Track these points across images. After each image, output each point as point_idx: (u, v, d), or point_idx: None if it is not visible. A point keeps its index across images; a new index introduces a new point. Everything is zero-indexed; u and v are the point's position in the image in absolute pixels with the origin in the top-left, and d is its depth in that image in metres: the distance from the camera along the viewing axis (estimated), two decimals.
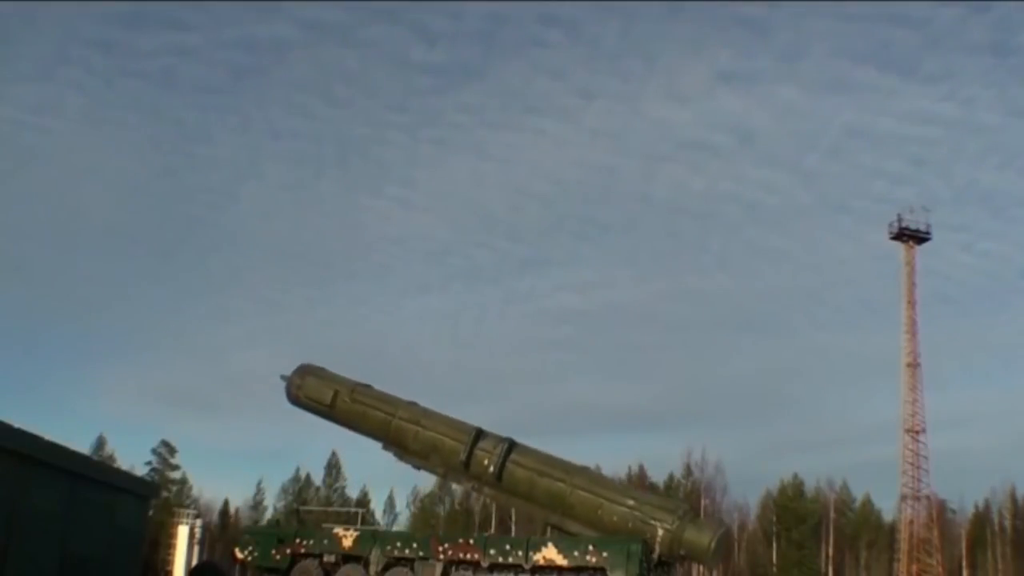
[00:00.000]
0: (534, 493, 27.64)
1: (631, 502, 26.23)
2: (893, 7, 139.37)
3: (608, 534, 25.89)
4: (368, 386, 30.43)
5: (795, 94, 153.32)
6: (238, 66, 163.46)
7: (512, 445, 27.89)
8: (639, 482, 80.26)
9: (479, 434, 28.16)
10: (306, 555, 27.70)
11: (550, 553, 25.28)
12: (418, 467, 29.72)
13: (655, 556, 25.12)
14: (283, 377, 31.08)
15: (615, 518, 26.06)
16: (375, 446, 29.85)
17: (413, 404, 29.76)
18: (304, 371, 30.89)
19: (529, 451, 28.01)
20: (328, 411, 30.32)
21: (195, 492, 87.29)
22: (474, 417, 28.88)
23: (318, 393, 30.30)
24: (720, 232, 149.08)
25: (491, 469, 27.65)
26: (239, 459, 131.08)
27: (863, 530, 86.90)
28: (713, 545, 25.16)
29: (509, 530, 75.89)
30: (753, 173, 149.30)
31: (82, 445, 66.21)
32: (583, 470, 27.83)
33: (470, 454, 27.92)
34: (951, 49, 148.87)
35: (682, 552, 25.59)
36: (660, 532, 25.23)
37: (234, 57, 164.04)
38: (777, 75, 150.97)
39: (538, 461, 27.66)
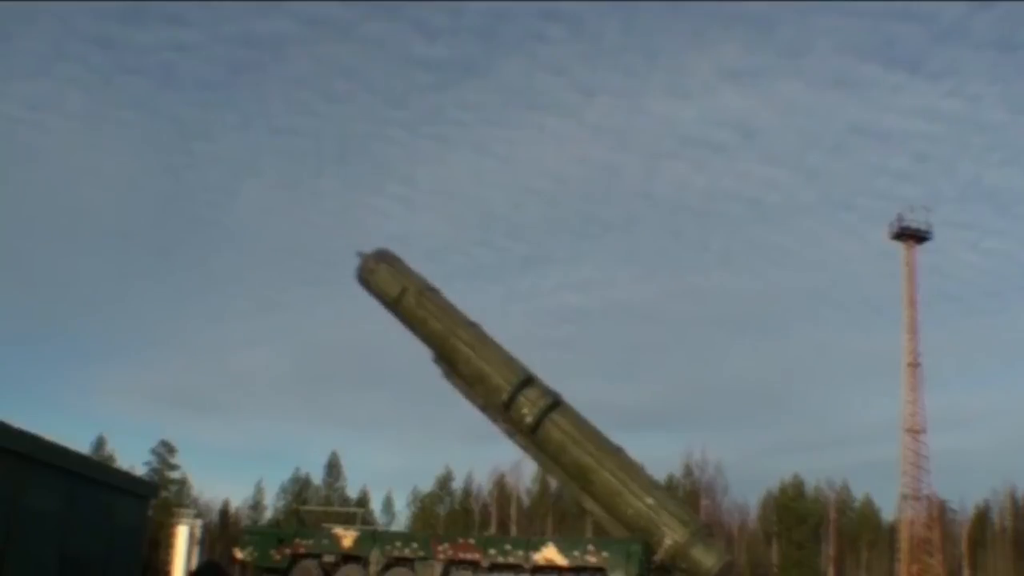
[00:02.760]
0: (562, 458, 27.11)
1: (650, 501, 25.85)
2: (898, 3, 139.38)
3: (619, 524, 25.82)
4: (437, 291, 29.76)
5: (799, 90, 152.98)
6: (237, 62, 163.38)
7: (556, 404, 27.26)
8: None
9: (528, 381, 27.51)
10: (306, 555, 27.69)
11: (550, 553, 25.27)
12: (461, 392, 29.03)
13: (656, 559, 25.06)
14: (359, 254, 30.52)
15: (630, 511, 25.83)
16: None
17: (475, 327, 29.06)
18: (381, 257, 30.25)
19: (571, 415, 27.35)
20: (392, 305, 29.82)
21: (195, 492, 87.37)
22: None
23: (387, 285, 29.79)
24: (722, 230, 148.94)
25: (528, 420, 27.10)
26: (239, 459, 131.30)
27: (863, 530, 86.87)
28: (715, 571, 24.89)
29: (509, 530, 75.90)
30: (756, 170, 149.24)
31: (82, 445, 66.35)
32: (616, 452, 27.05)
33: (512, 398, 27.35)
34: (956, 45, 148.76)
35: (683, 566, 25.33)
36: (668, 540, 25.05)
37: (233, 53, 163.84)
38: (781, 71, 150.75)
39: (576, 428, 27.05)
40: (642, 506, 25.71)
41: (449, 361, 28.97)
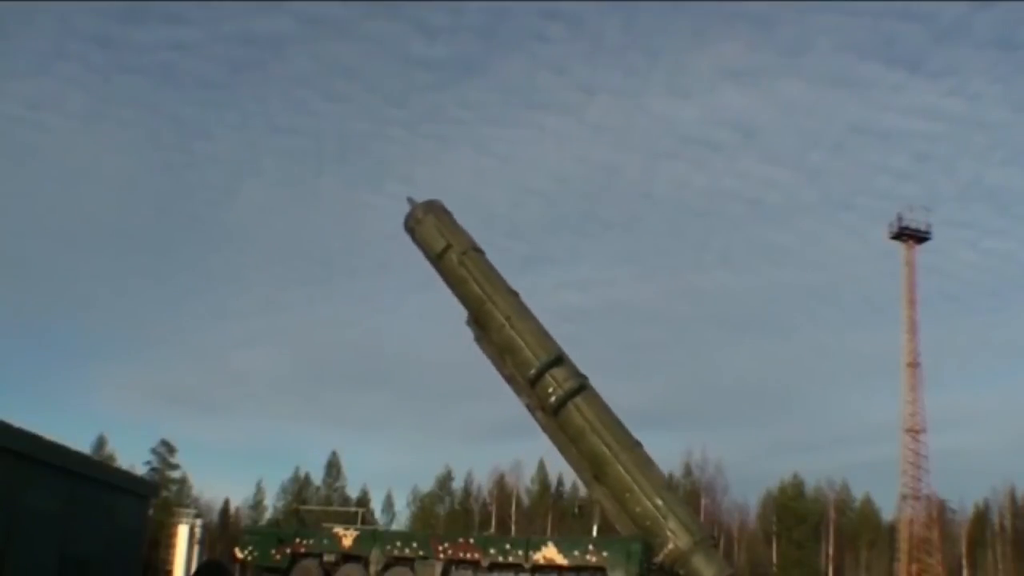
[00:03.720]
0: (580, 444, 26.90)
1: (659, 502, 25.63)
2: (899, 2, 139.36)
3: (624, 519, 25.78)
4: (481, 252, 29.44)
5: (799, 90, 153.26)
6: (237, 61, 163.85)
7: (581, 388, 27.03)
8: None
9: (557, 360, 27.25)
10: (306, 555, 27.67)
11: (550, 553, 25.24)
12: (490, 359, 28.81)
13: (656, 562, 25.04)
14: (410, 200, 30.25)
15: (637, 508, 25.72)
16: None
17: (513, 295, 28.79)
18: (429, 208, 29.89)
19: (595, 402, 27.07)
20: (434, 260, 29.49)
21: (195, 492, 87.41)
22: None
23: (431, 239, 29.43)
24: (722, 229, 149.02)
25: (552, 399, 26.92)
26: (239, 459, 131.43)
27: (863, 530, 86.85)
28: None
29: (509, 530, 75.91)
30: (756, 169, 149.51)
31: (82, 445, 66.20)
32: (634, 447, 26.81)
33: (540, 374, 27.17)
34: (956, 44, 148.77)
35: (682, 572, 25.25)
36: (670, 544, 24.99)
37: (233, 52, 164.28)
38: (781, 70, 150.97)
39: (598, 416, 26.79)
40: (650, 506, 25.58)
41: (482, 326, 28.61)
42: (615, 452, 26.28)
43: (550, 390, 27.08)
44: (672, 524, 25.25)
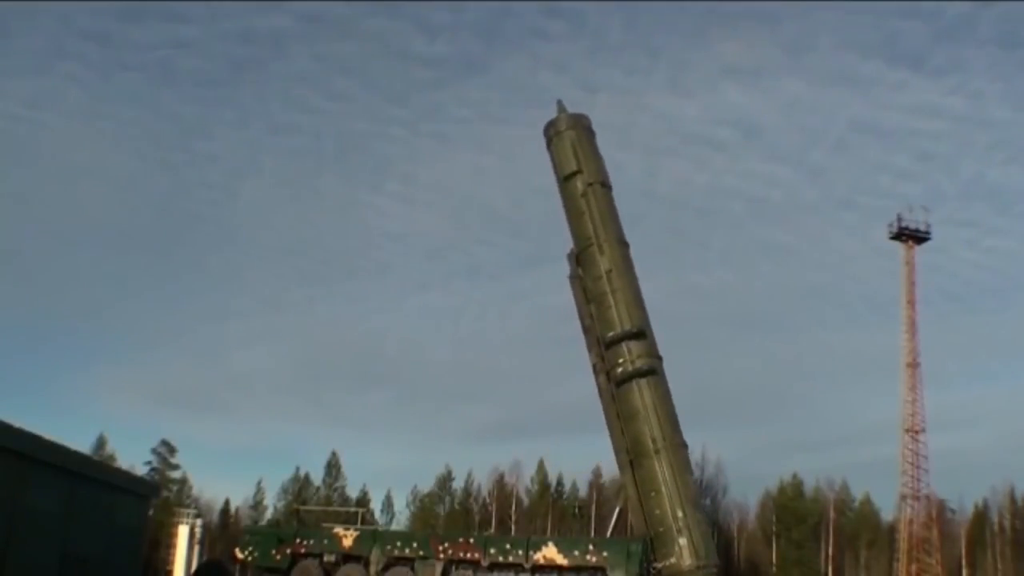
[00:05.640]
0: (628, 425, 26.50)
1: (680, 515, 25.38)
2: (900, 0, 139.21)
3: (640, 514, 25.73)
4: (608, 189, 28.24)
5: (801, 88, 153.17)
6: (237, 60, 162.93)
7: (650, 371, 26.54)
8: None
9: (639, 333, 26.66)
10: (306, 555, 27.76)
11: (550, 552, 25.32)
12: (576, 300, 27.96)
13: (656, 566, 25.06)
14: (560, 105, 29.07)
15: (657, 511, 25.57)
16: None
17: (623, 247, 27.75)
18: (574, 122, 28.67)
19: (658, 390, 26.52)
20: (559, 181, 28.43)
21: (195, 492, 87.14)
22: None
23: (564, 157, 28.35)
24: (723, 228, 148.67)
25: (619, 370, 26.41)
26: (239, 459, 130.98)
27: (863, 530, 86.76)
28: None
29: (509, 530, 75.88)
30: (758, 168, 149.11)
31: (82, 445, 66.03)
32: (678, 447, 26.51)
33: (616, 341, 26.58)
34: (959, 42, 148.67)
35: None
36: (673, 559, 24.95)
37: (232, 50, 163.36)
38: (783, 69, 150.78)
39: (655, 405, 26.36)
40: (670, 514, 25.34)
41: (582, 266, 27.80)
42: (658, 447, 25.89)
43: (620, 360, 26.47)
44: (683, 541, 25.03)
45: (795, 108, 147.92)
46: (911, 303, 67.23)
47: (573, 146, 28.40)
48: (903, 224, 67.75)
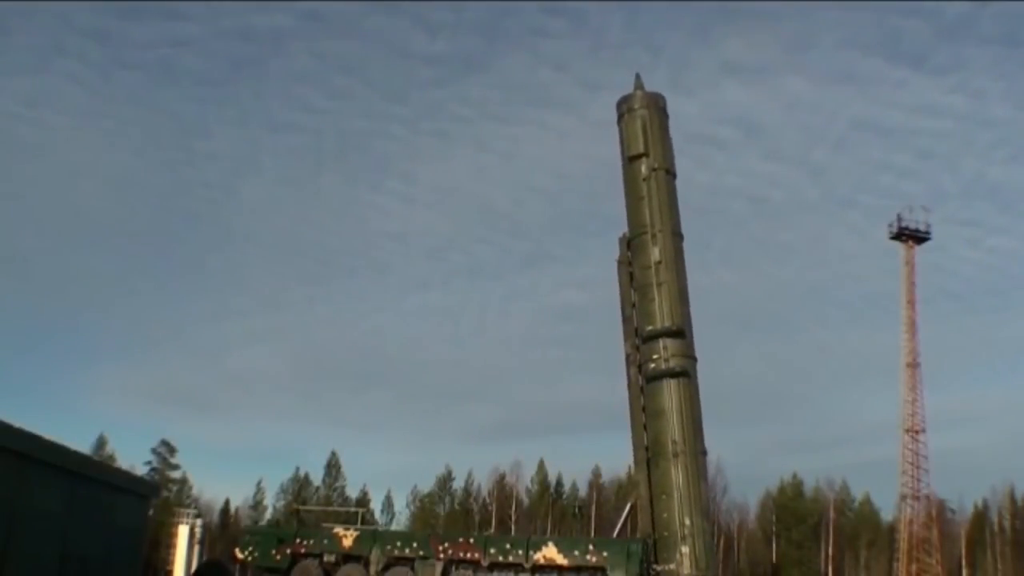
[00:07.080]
0: (651, 422, 26.38)
1: (688, 522, 25.34)
2: None
3: (647, 516, 25.71)
4: (673, 176, 27.81)
5: (802, 86, 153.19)
6: (236, 58, 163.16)
7: (682, 373, 26.32)
8: None
9: (678, 332, 26.46)
10: (306, 555, 27.74)
11: (550, 552, 25.31)
12: (620, 284, 27.80)
13: (656, 568, 25.06)
14: (638, 79, 28.33)
15: (664, 514, 25.51)
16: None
17: (676, 241, 27.34)
18: (649, 102, 28.05)
19: (687, 393, 26.34)
20: (626, 158, 27.90)
21: (195, 492, 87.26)
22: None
23: (633, 137, 27.81)
24: (724, 227, 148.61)
25: (651, 366, 26.27)
26: (239, 459, 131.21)
27: (863, 530, 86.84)
28: None
29: (509, 530, 75.90)
30: (759, 167, 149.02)
31: (82, 445, 66.15)
32: (698, 454, 26.36)
33: (654, 336, 26.40)
34: (961, 41, 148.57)
35: None
36: (673, 566, 24.93)
37: (232, 49, 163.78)
38: (784, 67, 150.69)
39: (682, 407, 26.14)
40: (676, 519, 25.29)
41: (632, 252, 27.53)
42: (677, 450, 25.76)
43: (655, 356, 26.29)
44: (685, 549, 24.97)
45: (796, 107, 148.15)
46: (911, 303, 67.26)
47: (644, 127, 27.88)
48: (903, 224, 67.77)
